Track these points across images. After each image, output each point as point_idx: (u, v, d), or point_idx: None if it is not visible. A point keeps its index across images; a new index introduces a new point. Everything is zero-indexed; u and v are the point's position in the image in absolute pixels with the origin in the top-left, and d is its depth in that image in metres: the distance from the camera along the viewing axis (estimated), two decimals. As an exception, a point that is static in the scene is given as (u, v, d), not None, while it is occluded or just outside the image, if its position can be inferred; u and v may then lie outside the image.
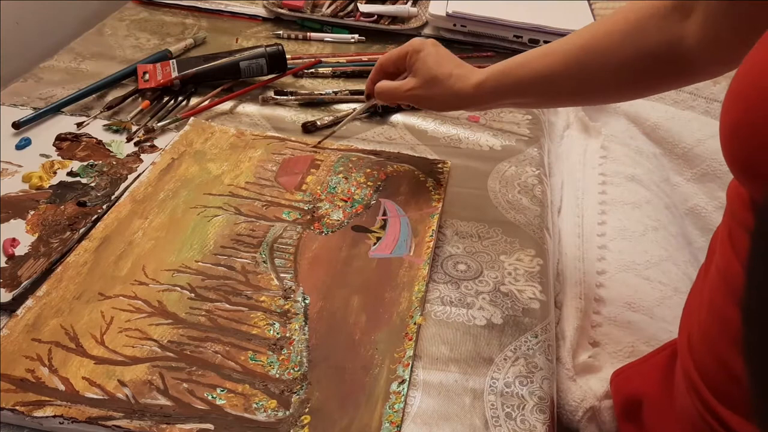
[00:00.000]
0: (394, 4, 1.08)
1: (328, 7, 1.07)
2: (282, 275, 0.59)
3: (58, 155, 0.72)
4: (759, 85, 0.38)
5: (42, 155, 0.72)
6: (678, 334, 0.54)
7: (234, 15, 1.07)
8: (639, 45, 0.54)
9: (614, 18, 0.56)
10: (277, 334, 0.54)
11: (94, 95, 0.83)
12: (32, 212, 0.64)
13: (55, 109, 0.79)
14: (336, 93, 0.87)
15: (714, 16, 0.50)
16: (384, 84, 0.67)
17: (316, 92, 0.87)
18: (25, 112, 0.77)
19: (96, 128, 0.77)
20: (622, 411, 0.57)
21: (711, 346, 0.46)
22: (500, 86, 0.61)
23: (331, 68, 0.93)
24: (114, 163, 0.72)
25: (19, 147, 0.73)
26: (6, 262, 0.58)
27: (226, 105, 0.84)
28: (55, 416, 0.46)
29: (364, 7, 1.05)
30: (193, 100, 0.84)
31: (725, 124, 0.41)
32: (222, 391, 0.49)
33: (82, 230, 0.62)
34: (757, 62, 0.39)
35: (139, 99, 0.83)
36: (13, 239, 0.61)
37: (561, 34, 1.00)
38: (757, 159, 0.39)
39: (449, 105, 0.66)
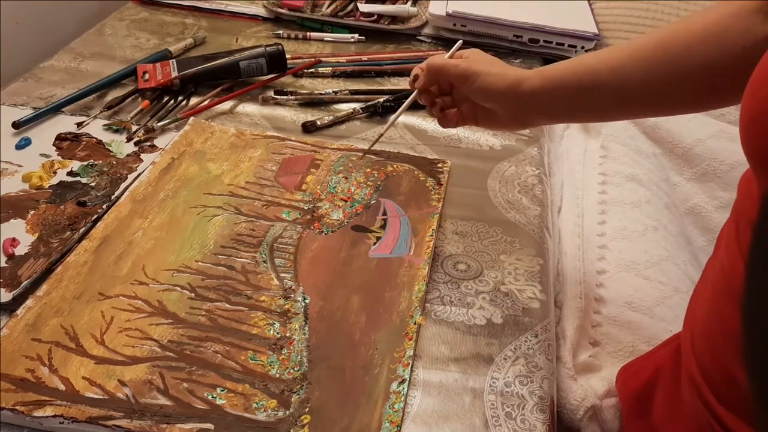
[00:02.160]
0: (394, 3, 1.08)
1: (328, 7, 1.07)
2: (282, 275, 0.59)
3: (58, 155, 0.72)
4: None
5: (42, 155, 0.72)
6: (682, 332, 0.54)
7: (234, 15, 1.07)
8: (720, 46, 0.50)
9: (694, 17, 0.52)
10: (277, 333, 0.54)
11: (94, 95, 0.83)
12: (32, 212, 0.64)
13: (55, 109, 0.79)
14: (336, 93, 0.87)
15: None
16: (438, 57, 0.62)
17: (316, 92, 0.87)
18: (25, 112, 0.77)
19: (96, 128, 0.77)
20: (630, 407, 0.57)
21: (711, 346, 0.46)
22: (562, 77, 0.56)
23: (330, 68, 0.93)
24: (114, 162, 0.72)
25: (19, 147, 0.73)
26: (6, 262, 0.58)
27: (226, 105, 0.84)
28: (55, 416, 0.46)
29: (363, 7, 1.05)
30: (193, 100, 0.84)
31: (745, 111, 0.40)
32: (222, 390, 0.49)
33: (82, 230, 0.62)
34: None
35: (139, 99, 0.83)
36: (13, 239, 0.61)
37: (561, 34, 1.00)
38: None
39: (497, 88, 0.58)
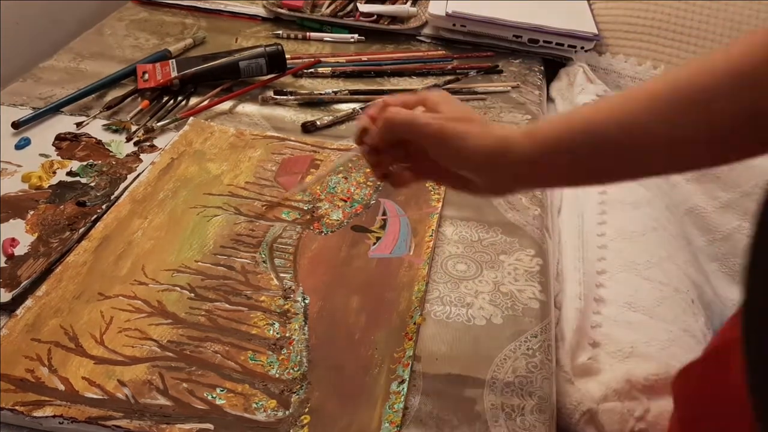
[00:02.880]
0: (393, 4, 1.08)
1: (328, 7, 1.07)
2: (282, 275, 0.59)
3: (57, 155, 0.72)
4: None
5: (41, 155, 0.72)
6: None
7: (234, 15, 1.07)
8: (756, 89, 0.40)
9: (713, 57, 0.43)
10: (277, 334, 0.54)
11: (93, 95, 0.83)
12: (32, 212, 0.64)
13: (55, 109, 0.79)
14: (335, 93, 0.87)
15: None
16: (400, 109, 0.48)
17: (315, 92, 0.87)
18: (25, 112, 0.77)
19: (95, 128, 0.77)
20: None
21: None
22: (559, 136, 0.45)
23: (330, 68, 0.93)
24: (113, 162, 0.72)
25: (19, 147, 0.73)
26: (5, 262, 0.58)
27: (226, 105, 0.84)
28: (54, 416, 0.46)
29: (363, 7, 1.05)
30: (193, 100, 0.84)
31: None
32: (222, 391, 0.49)
33: (81, 230, 0.62)
34: None
35: (139, 99, 0.83)
36: (13, 239, 0.60)
37: (560, 34, 1.00)
38: None
39: (479, 151, 0.46)
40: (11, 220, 0.63)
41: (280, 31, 1.03)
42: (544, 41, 1.01)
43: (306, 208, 0.67)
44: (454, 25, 1.02)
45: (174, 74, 0.85)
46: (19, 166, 0.70)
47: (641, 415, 0.59)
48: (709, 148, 0.43)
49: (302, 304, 0.57)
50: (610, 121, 0.43)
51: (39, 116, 0.77)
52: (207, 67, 0.86)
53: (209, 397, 0.48)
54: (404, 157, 0.50)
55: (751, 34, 0.42)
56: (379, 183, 0.71)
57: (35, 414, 0.46)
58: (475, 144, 0.46)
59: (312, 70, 0.92)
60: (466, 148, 0.46)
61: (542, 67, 1.01)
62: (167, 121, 0.78)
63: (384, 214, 0.67)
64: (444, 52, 1.01)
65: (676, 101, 0.42)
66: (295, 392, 0.49)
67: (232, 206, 0.66)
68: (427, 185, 0.71)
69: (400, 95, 0.50)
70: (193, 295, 0.57)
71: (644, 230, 0.78)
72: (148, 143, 0.75)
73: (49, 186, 0.67)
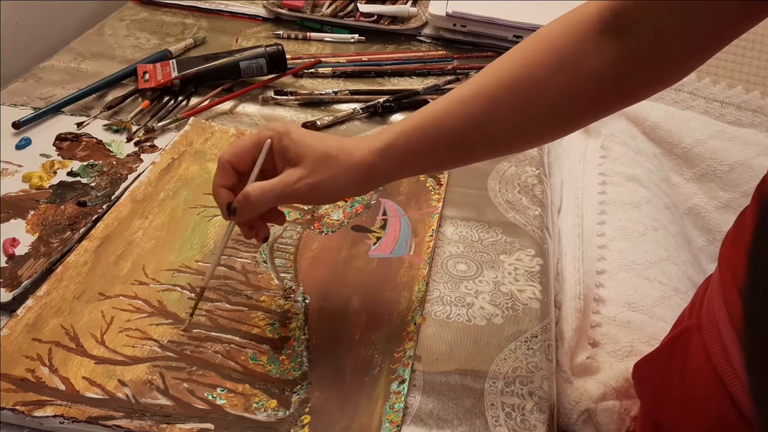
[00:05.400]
0: (394, 4, 1.08)
1: (328, 7, 1.07)
2: (282, 275, 0.59)
3: (58, 155, 0.72)
4: None
5: (42, 155, 0.72)
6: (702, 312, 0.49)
7: (234, 15, 1.07)
8: (575, 77, 0.46)
9: (539, 47, 0.48)
10: (278, 334, 0.54)
11: (94, 95, 0.83)
12: (32, 212, 0.64)
13: (55, 109, 0.79)
14: (336, 93, 0.87)
15: (668, 34, 0.44)
16: (257, 186, 0.49)
17: (316, 92, 0.87)
18: (25, 112, 0.77)
19: (96, 128, 0.77)
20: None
21: None
22: (415, 145, 0.49)
23: (330, 68, 0.93)
24: (114, 163, 0.72)
25: (19, 147, 0.73)
26: (6, 262, 0.58)
27: (226, 105, 0.84)
28: (55, 416, 0.46)
29: (364, 7, 1.05)
30: (193, 100, 0.84)
31: None
32: (222, 390, 0.49)
33: (82, 230, 0.62)
34: None
35: (139, 99, 0.83)
36: (13, 239, 0.61)
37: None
38: None
39: (351, 185, 0.50)
40: (12, 220, 0.63)
41: (280, 32, 1.03)
42: (545, 41, 1.01)
43: (306, 207, 0.67)
44: (454, 25, 1.02)
45: (174, 74, 0.85)
46: (19, 166, 0.70)
47: (638, 414, 0.59)
48: (545, 126, 0.50)
49: (302, 304, 0.57)
50: (456, 124, 0.49)
51: (39, 116, 0.77)
52: (207, 67, 0.86)
53: (210, 397, 0.48)
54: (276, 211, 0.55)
55: (552, 27, 0.48)
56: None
57: (36, 414, 0.46)
58: (340, 185, 0.50)
59: (312, 70, 0.92)
60: (334, 192, 0.51)
61: (542, 67, 1.01)
62: (168, 121, 0.78)
63: (384, 214, 0.67)
64: (444, 52, 1.01)
65: (514, 97, 0.47)
66: (295, 392, 0.49)
67: (233, 206, 0.66)
68: (427, 185, 0.71)
69: (233, 142, 0.52)
70: (193, 294, 0.57)
71: (644, 230, 0.78)
72: (148, 143, 0.75)
73: (49, 186, 0.68)
